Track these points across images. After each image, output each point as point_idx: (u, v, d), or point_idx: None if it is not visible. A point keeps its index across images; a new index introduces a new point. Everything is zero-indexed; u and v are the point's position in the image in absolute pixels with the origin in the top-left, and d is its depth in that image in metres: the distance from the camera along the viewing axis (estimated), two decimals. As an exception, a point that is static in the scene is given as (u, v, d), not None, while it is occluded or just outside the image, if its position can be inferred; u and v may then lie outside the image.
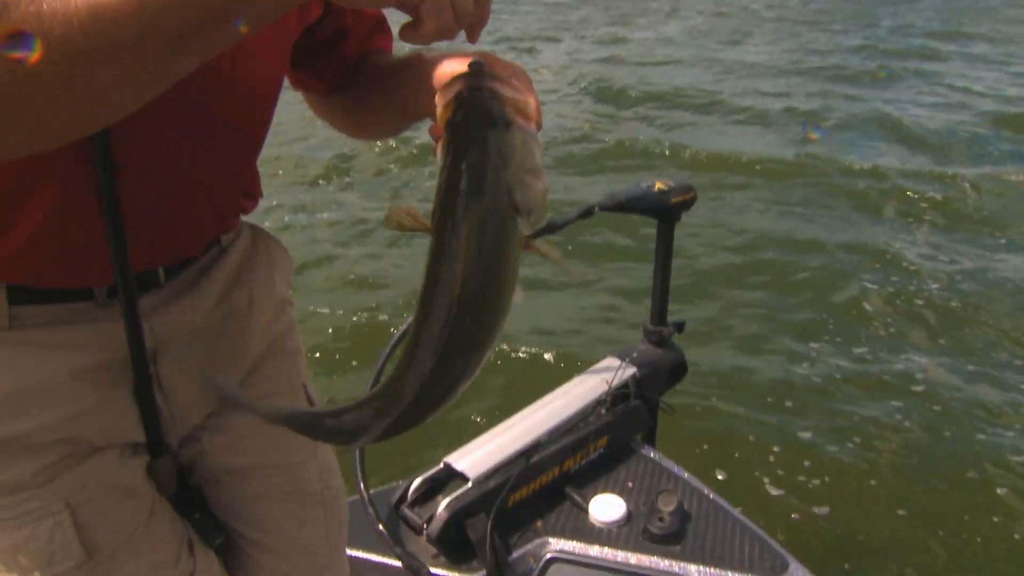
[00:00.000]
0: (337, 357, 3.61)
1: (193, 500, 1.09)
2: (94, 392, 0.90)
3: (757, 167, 6.56)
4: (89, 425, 0.91)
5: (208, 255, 1.03)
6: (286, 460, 1.14)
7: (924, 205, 5.79)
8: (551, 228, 1.84)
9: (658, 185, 1.93)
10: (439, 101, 0.71)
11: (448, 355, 0.70)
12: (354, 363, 3.57)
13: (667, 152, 6.95)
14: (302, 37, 1.02)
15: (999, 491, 2.76)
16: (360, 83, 1.10)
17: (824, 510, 2.67)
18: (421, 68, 0.89)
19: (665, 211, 1.95)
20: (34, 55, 0.54)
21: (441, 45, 0.81)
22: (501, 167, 0.68)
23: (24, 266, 0.84)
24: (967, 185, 6.23)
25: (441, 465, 1.84)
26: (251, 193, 1.09)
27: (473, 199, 0.69)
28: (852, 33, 16.40)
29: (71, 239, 0.85)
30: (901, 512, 2.68)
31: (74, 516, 0.91)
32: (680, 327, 2.13)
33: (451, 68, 0.83)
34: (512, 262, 0.71)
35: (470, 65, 0.70)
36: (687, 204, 1.96)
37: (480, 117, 0.69)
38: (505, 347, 3.62)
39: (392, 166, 6.73)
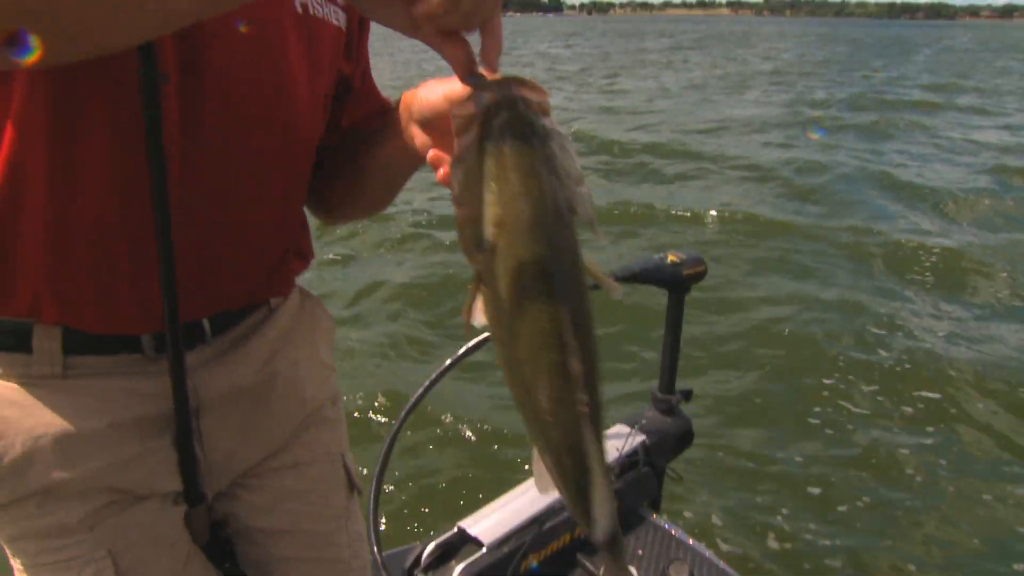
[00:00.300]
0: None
1: (224, 552, 1.11)
2: (139, 443, 0.94)
3: (758, 226, 6.61)
4: (132, 474, 0.95)
5: (256, 315, 1.06)
6: (319, 527, 1.17)
7: (929, 265, 5.80)
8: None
9: (671, 257, 1.99)
10: (455, 116, 0.65)
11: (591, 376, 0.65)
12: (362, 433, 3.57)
13: (668, 210, 6.97)
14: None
15: (1016, 567, 2.77)
16: (345, 148, 1.10)
17: (832, 577, 2.67)
18: (410, 102, 0.88)
19: (677, 283, 2.01)
20: None
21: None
22: (557, 184, 0.64)
23: (75, 303, 0.87)
24: (973, 242, 6.27)
25: (455, 529, 1.87)
26: (301, 253, 1.12)
27: (550, 228, 0.63)
28: (848, 85, 16.67)
29: (120, 276, 0.88)
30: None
31: (115, 563, 0.94)
32: (688, 395, 2.18)
33: (439, 90, 0.80)
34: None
35: (494, 79, 0.65)
36: (698, 276, 2.02)
37: (520, 129, 0.63)
38: (517, 413, 3.64)
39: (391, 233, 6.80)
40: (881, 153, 9.73)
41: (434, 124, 0.83)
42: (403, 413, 1.94)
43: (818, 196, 7.68)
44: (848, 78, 18.32)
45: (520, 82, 0.64)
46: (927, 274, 5.68)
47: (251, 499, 1.10)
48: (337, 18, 1.00)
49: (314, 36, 0.96)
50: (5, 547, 0.97)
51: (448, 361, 1.93)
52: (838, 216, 7.00)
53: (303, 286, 1.19)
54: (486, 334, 1.95)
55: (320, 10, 0.96)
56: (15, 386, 0.90)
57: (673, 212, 6.91)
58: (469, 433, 3.46)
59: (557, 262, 0.62)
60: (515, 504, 1.92)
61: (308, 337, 1.14)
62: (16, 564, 0.96)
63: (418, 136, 0.89)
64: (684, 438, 2.19)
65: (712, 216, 6.80)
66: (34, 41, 0.58)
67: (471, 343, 1.92)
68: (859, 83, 15.59)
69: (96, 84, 0.80)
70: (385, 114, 1.07)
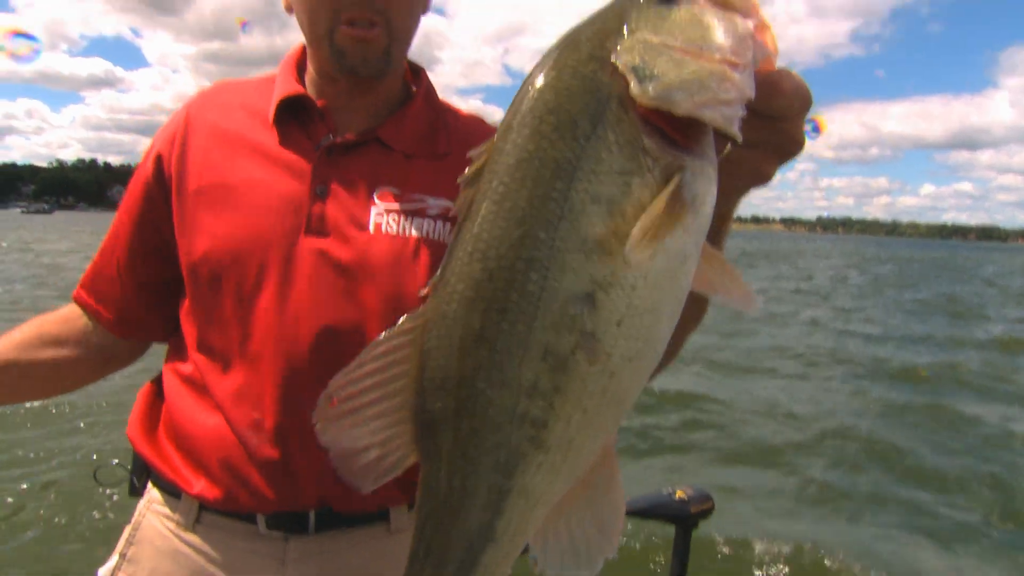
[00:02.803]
0: None
1: None
2: None
3: (771, 462, 6.35)
4: None
5: (373, 529, 1.17)
6: None
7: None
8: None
9: (678, 493, 2.04)
10: None
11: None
12: None
13: (678, 441, 6.77)
14: None
15: None
16: None
17: None
18: None
19: (684, 519, 2.04)
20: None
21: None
22: (614, 32, 0.54)
23: (201, 492, 1.13)
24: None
25: None
26: (405, 485, 1.22)
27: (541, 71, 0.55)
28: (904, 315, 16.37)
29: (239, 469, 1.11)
30: None
31: None
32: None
33: None
34: (621, 176, 0.51)
35: None
36: (705, 513, 2.04)
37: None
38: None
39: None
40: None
41: None
42: None
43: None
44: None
45: None
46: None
47: None
48: (420, 229, 1.13)
49: (391, 248, 1.12)
50: None
51: None
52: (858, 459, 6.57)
53: None
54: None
55: (394, 227, 1.12)
56: (162, 519, 1.19)
57: (684, 443, 6.69)
58: None
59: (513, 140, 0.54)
60: None
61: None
62: None
63: None
64: None
65: (726, 448, 6.57)
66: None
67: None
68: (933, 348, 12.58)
69: None
70: None
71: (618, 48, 0.53)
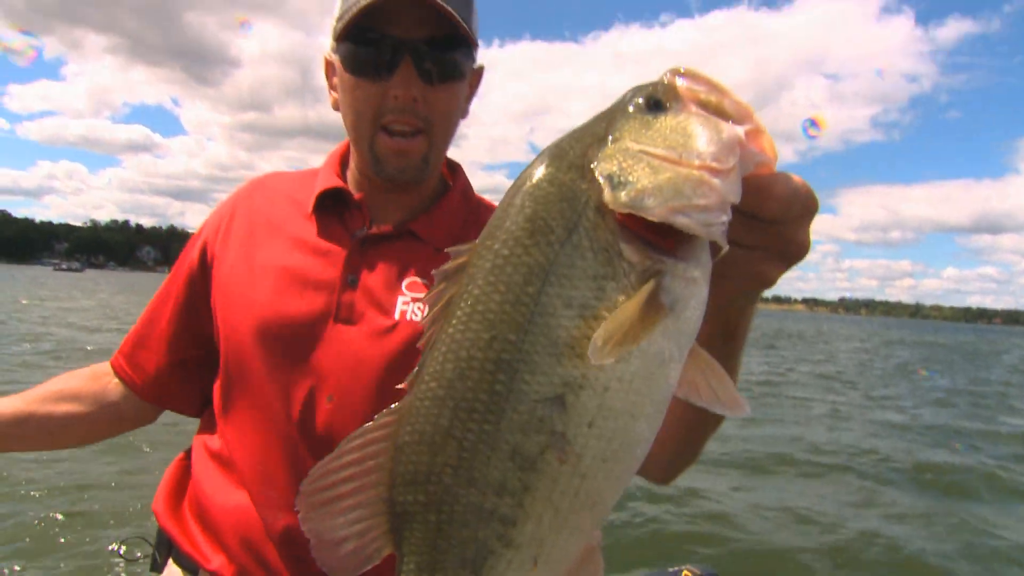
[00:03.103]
0: None
1: None
2: None
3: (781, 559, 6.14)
4: None
5: None
6: None
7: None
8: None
9: (685, 572, 2.04)
10: None
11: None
12: None
13: (688, 519, 6.57)
14: None
15: None
16: None
17: None
18: None
19: (690, 600, 2.03)
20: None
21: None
22: (597, 141, 0.55)
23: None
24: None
25: None
26: None
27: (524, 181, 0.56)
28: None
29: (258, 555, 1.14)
30: None
31: None
32: None
33: None
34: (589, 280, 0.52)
35: None
36: (713, 594, 2.04)
37: (625, 98, 0.57)
38: None
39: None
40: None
41: None
42: None
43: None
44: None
45: (694, 76, 0.57)
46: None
47: None
48: None
49: (412, 336, 1.16)
50: None
51: None
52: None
53: None
54: None
55: (419, 315, 1.16)
56: None
57: (693, 532, 6.39)
58: None
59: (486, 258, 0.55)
60: None
61: None
62: None
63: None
64: None
65: (738, 540, 6.28)
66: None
67: None
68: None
69: None
70: None
71: (599, 156, 0.54)
